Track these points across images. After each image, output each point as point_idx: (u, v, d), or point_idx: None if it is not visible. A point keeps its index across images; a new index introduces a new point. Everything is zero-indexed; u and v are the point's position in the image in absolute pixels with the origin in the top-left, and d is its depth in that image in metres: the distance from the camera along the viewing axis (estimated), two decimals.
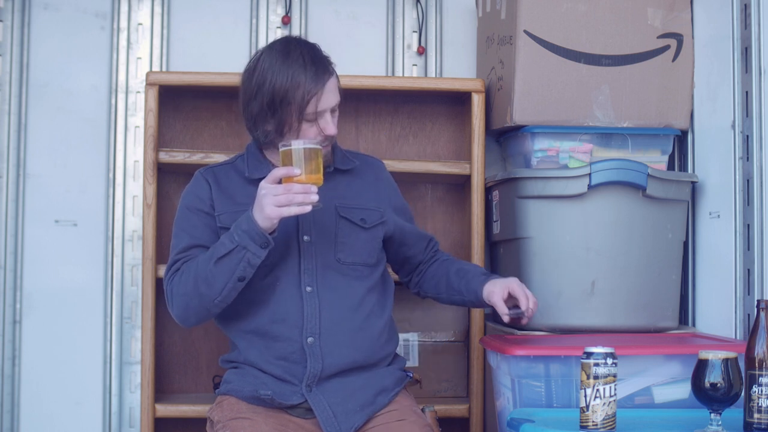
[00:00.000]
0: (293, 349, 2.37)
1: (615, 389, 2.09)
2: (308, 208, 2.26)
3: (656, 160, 2.95)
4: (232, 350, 2.50)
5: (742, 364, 2.11)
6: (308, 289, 2.40)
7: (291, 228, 2.42)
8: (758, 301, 2.13)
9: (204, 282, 2.32)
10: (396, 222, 2.59)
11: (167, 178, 3.15)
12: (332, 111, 2.43)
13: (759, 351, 2.08)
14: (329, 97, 2.40)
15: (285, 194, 2.25)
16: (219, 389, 2.48)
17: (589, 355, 2.10)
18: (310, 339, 2.37)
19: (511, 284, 2.48)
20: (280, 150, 2.32)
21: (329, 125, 2.41)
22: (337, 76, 2.46)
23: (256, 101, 2.40)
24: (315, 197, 2.26)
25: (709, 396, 2.08)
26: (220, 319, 2.48)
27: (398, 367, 2.51)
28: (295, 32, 3.31)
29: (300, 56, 2.39)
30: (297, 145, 2.29)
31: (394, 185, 2.67)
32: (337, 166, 2.54)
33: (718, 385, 2.07)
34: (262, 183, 2.29)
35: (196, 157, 2.98)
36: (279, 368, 2.37)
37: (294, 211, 2.25)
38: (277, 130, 2.41)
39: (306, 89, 2.36)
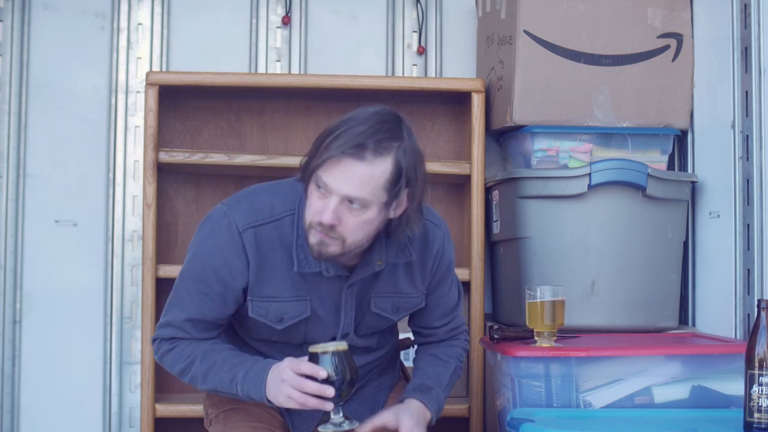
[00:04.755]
0: None
1: None
2: (329, 407, 2.05)
3: (656, 160, 2.95)
4: None
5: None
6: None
7: (332, 323, 2.25)
8: (758, 301, 2.13)
9: (191, 383, 2.21)
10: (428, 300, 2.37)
11: (167, 178, 3.15)
12: (344, 200, 2.04)
13: (759, 351, 2.08)
14: (338, 177, 2.02)
15: (300, 394, 2.03)
16: None
17: None
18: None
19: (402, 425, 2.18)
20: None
21: (327, 210, 2.03)
22: (386, 173, 2.03)
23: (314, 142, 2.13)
24: (331, 392, 2.03)
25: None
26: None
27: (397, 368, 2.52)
28: (295, 32, 3.31)
29: (367, 119, 2.05)
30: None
31: (447, 262, 2.35)
32: (389, 260, 2.23)
33: (330, 378, 2.03)
34: (285, 366, 2.06)
35: (196, 157, 2.98)
36: None
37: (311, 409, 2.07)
38: (305, 183, 2.12)
39: (326, 145, 2.03)
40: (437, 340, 2.41)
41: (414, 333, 2.46)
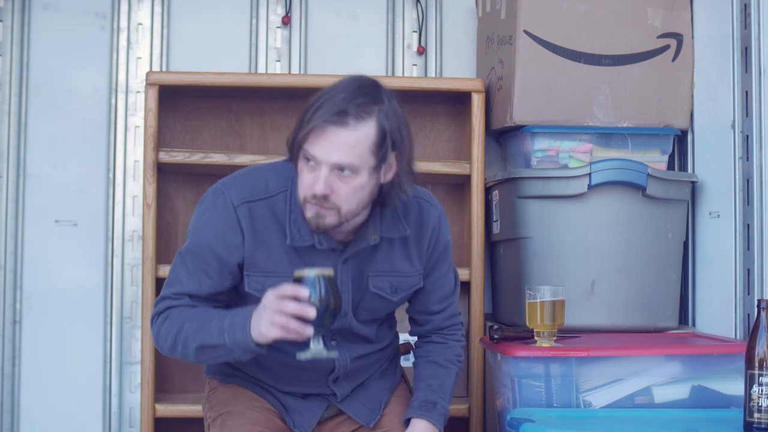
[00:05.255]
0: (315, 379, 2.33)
1: None
2: (309, 332, 1.99)
3: (656, 160, 2.95)
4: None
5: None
6: (331, 343, 2.26)
7: None
8: (758, 301, 2.13)
9: (184, 351, 2.15)
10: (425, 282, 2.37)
11: (167, 178, 3.15)
12: (336, 169, 2.06)
13: (759, 351, 2.08)
14: (324, 147, 2.04)
15: (281, 316, 1.98)
16: (207, 368, 2.45)
17: None
18: (333, 380, 2.32)
19: None
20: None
21: (318, 181, 2.05)
22: (370, 135, 2.06)
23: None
24: (313, 314, 1.98)
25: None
26: None
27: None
28: (295, 32, 3.31)
29: (345, 88, 2.08)
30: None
31: (444, 242, 2.34)
32: (384, 235, 2.24)
33: (313, 301, 1.98)
34: (269, 294, 2.02)
35: (196, 157, 2.98)
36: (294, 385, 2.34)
37: (292, 337, 2.00)
38: (294, 161, 2.15)
39: (309, 118, 2.06)
40: (435, 329, 2.39)
41: (412, 322, 2.43)
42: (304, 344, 2.02)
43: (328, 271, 2.03)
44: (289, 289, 2.00)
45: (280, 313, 1.98)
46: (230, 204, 2.18)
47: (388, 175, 2.13)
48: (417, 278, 2.32)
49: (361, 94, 2.07)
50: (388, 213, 2.23)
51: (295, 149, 2.11)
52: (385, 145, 2.08)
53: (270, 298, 2.01)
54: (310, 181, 2.07)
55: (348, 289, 2.24)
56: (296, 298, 1.98)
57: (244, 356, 2.11)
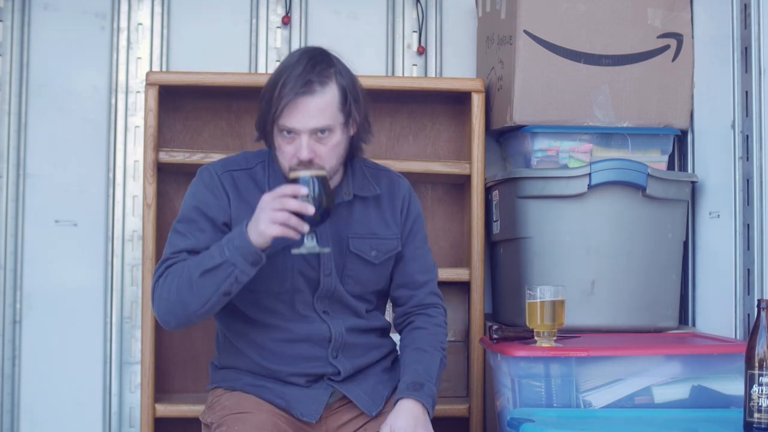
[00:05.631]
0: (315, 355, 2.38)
1: None
2: (306, 228, 2.16)
3: (656, 160, 2.95)
4: (230, 354, 2.48)
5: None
6: (323, 314, 2.38)
7: (313, 261, 2.36)
8: (758, 301, 2.13)
9: (188, 291, 2.23)
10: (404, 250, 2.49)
11: (167, 178, 3.15)
12: (314, 133, 2.26)
13: (759, 351, 2.08)
14: (300, 117, 2.24)
15: (282, 213, 2.14)
16: (212, 380, 2.49)
17: None
18: (333, 354, 2.38)
19: None
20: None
21: (302, 148, 2.24)
22: (335, 96, 2.27)
23: (259, 105, 2.35)
24: (312, 210, 2.14)
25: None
26: (228, 328, 2.45)
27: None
28: (295, 32, 3.31)
29: (297, 62, 2.27)
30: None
31: (417, 212, 2.51)
32: (356, 192, 2.42)
33: (310, 198, 2.16)
34: (265, 196, 2.19)
35: (196, 157, 2.98)
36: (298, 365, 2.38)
37: (291, 234, 2.15)
38: (266, 140, 2.36)
39: (277, 96, 2.24)
40: (418, 306, 2.47)
41: (396, 304, 2.50)
42: (299, 242, 2.19)
43: (322, 172, 2.20)
44: (288, 188, 2.17)
45: (280, 211, 2.14)
46: (214, 174, 2.38)
47: (353, 128, 2.36)
48: (395, 242, 2.45)
49: (317, 63, 2.28)
50: (359, 175, 2.44)
51: (269, 127, 2.30)
52: (348, 101, 2.30)
53: (267, 199, 2.17)
54: (293, 151, 2.26)
55: (327, 244, 2.34)
56: (295, 196, 2.15)
57: (246, 270, 2.19)
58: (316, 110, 2.25)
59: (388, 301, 2.56)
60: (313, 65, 2.27)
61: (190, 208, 2.36)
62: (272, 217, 2.14)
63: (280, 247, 2.26)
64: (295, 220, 2.14)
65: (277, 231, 2.15)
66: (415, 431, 2.24)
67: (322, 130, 2.26)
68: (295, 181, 2.18)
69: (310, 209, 2.14)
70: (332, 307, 2.39)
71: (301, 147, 2.24)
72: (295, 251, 2.19)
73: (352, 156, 2.42)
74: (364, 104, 2.37)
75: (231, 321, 2.42)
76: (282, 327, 2.36)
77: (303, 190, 2.15)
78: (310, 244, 2.19)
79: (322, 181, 2.19)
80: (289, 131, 2.26)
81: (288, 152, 2.27)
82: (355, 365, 2.39)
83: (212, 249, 2.23)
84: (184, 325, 2.32)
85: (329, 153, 2.28)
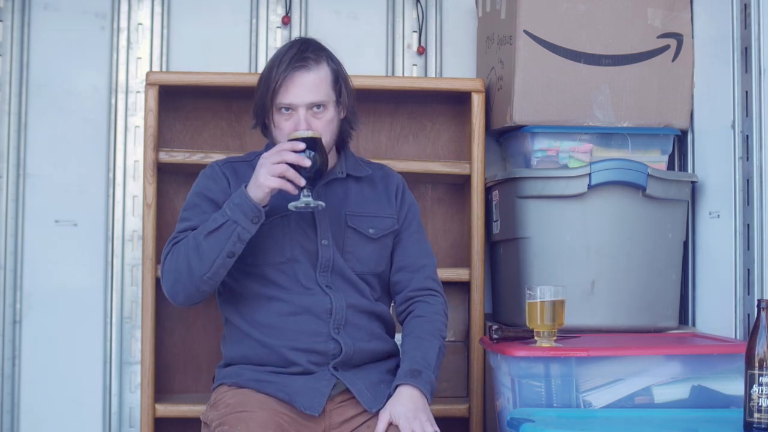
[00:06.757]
0: (320, 338, 2.41)
1: None
2: (303, 182, 2.28)
3: (656, 160, 2.95)
4: (234, 343, 2.49)
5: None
6: (326, 288, 2.44)
7: (310, 231, 2.45)
8: (758, 300, 2.13)
9: (194, 256, 2.33)
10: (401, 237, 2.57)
11: (167, 178, 3.15)
12: (311, 108, 2.39)
13: (759, 351, 2.08)
14: (297, 92, 2.38)
15: (280, 165, 2.27)
16: (217, 378, 2.51)
17: None
18: (335, 329, 2.41)
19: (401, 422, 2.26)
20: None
21: (300, 122, 2.38)
22: (328, 74, 2.42)
23: (256, 92, 2.48)
24: (308, 162, 2.28)
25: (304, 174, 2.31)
26: (232, 313, 2.49)
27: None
28: (295, 32, 3.31)
29: (290, 47, 2.42)
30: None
31: (411, 200, 2.62)
32: (350, 172, 2.54)
33: (307, 154, 2.30)
34: (263, 154, 2.33)
35: (196, 157, 2.98)
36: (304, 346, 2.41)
37: (288, 187, 2.28)
38: (264, 124, 2.48)
39: (275, 76, 2.38)
40: (418, 290, 2.51)
41: (395, 287, 2.54)
42: (296, 196, 2.31)
43: (317, 134, 2.35)
44: (287, 144, 2.31)
45: (279, 164, 2.27)
46: (216, 166, 2.53)
47: (343, 111, 2.48)
48: (392, 220, 2.54)
49: (308, 45, 2.43)
50: (352, 159, 2.56)
51: (266, 108, 2.42)
52: (339, 81, 2.45)
53: (266, 155, 2.31)
54: (292, 126, 2.38)
55: (324, 219, 2.45)
56: (293, 151, 2.29)
57: (248, 227, 2.30)
58: (312, 84, 2.38)
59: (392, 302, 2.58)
60: (306, 47, 2.42)
61: (193, 195, 2.49)
62: (271, 170, 2.27)
63: (279, 212, 2.39)
64: (292, 173, 2.27)
65: (275, 183, 2.28)
66: (416, 416, 2.25)
67: (318, 105, 2.39)
68: (293, 140, 2.32)
69: (306, 161, 2.28)
70: (335, 282, 2.45)
71: (299, 120, 2.37)
72: (291, 205, 2.31)
73: (343, 140, 2.54)
74: (351, 91, 2.50)
75: (236, 301, 2.47)
76: (285, 300, 2.42)
77: (300, 145, 2.30)
78: (305, 199, 2.31)
79: (318, 141, 2.33)
80: (287, 108, 2.39)
81: (286, 128, 2.39)
82: (356, 347, 2.41)
83: (216, 214, 2.36)
84: (192, 298, 2.39)
85: (324, 127, 2.40)
